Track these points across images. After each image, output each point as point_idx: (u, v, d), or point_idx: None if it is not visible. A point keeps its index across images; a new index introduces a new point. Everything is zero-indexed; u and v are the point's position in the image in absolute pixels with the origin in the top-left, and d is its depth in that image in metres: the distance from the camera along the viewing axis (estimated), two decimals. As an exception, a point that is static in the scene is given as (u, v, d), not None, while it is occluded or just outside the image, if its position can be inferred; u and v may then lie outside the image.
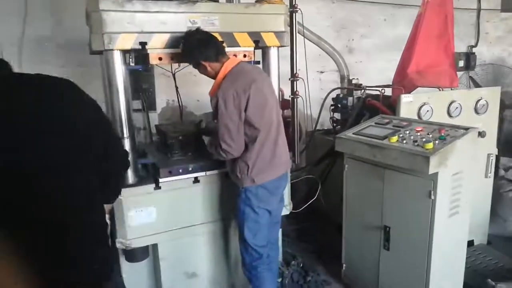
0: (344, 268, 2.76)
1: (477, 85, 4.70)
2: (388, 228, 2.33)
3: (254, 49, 2.53)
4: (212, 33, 2.30)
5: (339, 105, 3.47)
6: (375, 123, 2.56)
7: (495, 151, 3.06)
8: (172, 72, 3.14)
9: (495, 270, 2.87)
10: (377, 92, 3.18)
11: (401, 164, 2.13)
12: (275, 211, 2.36)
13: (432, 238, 2.11)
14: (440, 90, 3.12)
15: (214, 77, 2.28)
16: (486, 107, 2.96)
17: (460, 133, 2.17)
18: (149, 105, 3.83)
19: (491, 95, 2.99)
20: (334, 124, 3.59)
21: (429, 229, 2.11)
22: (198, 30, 2.21)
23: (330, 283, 2.87)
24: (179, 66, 2.96)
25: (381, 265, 2.42)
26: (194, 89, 4.43)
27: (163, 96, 4.44)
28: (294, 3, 2.78)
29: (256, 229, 2.24)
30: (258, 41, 2.50)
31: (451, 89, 3.26)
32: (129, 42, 2.20)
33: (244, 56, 2.50)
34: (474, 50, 6.06)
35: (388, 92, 3.18)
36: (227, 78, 2.17)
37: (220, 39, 2.38)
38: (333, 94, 3.61)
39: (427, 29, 3.22)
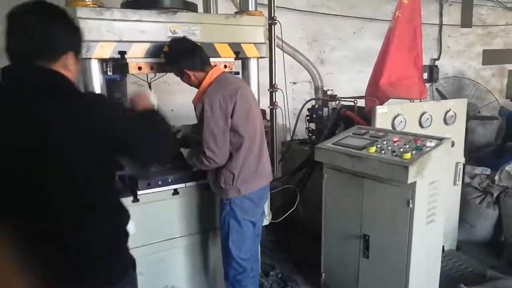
0: (323, 277, 2.78)
1: (443, 97, 4.93)
2: (367, 237, 2.37)
3: (235, 59, 2.53)
4: (193, 43, 2.28)
5: (314, 116, 3.53)
6: (353, 134, 2.62)
7: (463, 159, 3.21)
8: (147, 82, 3.09)
9: (466, 275, 2.99)
10: (351, 103, 3.27)
11: (380, 173, 2.18)
12: (258, 223, 2.35)
13: (410, 245, 2.17)
14: (411, 102, 3.25)
15: (197, 86, 2.26)
16: (454, 118, 3.10)
17: (435, 143, 2.26)
18: (122, 115, 3.74)
19: (459, 107, 3.14)
20: (310, 134, 3.64)
21: (408, 236, 2.17)
22: (184, 38, 2.19)
23: (309, 292, 2.88)
24: (155, 75, 2.92)
25: (361, 273, 2.46)
26: (169, 98, 4.40)
27: (136, 106, 4.34)
28: (273, 15, 2.81)
29: (241, 242, 2.21)
30: (238, 52, 2.51)
31: (420, 101, 3.41)
32: (108, 51, 2.14)
33: (225, 66, 2.49)
34: (436, 63, 6.39)
35: (361, 103, 3.28)
36: (213, 84, 2.16)
37: (200, 49, 2.36)
38: (308, 105, 3.67)
39: (398, 43, 3.36)
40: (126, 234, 1.46)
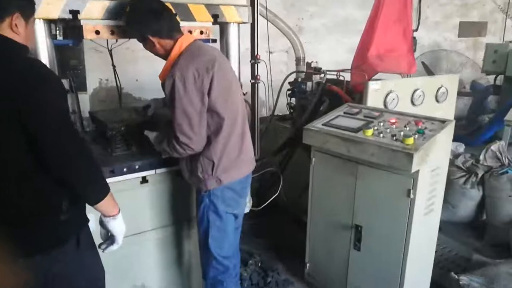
0: (307, 268, 2.58)
1: (429, 71, 4.76)
2: (360, 228, 2.17)
3: (212, 24, 2.16)
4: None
5: (297, 90, 3.23)
6: (344, 113, 2.36)
7: (451, 139, 3.05)
8: (108, 48, 2.66)
9: (451, 259, 2.90)
10: (334, 77, 2.99)
11: (379, 160, 1.95)
12: (240, 214, 2.07)
13: (409, 237, 1.98)
14: (402, 76, 3.02)
15: (163, 56, 1.88)
16: (446, 95, 2.91)
17: (438, 126, 2.04)
18: (78, 85, 3.27)
19: (451, 83, 2.94)
20: (291, 110, 3.36)
21: (406, 228, 1.98)
22: None
23: (292, 282, 2.69)
24: (116, 41, 2.50)
25: (350, 265, 2.27)
26: (132, 67, 3.94)
27: (95, 75, 3.87)
28: (256, -27, 2.43)
29: (222, 238, 1.93)
30: (217, 16, 2.13)
31: (408, 76, 3.19)
32: (55, 9, 1.73)
33: (201, 33, 2.13)
34: (415, 34, 6.20)
35: (344, 76, 3.01)
36: (184, 55, 1.79)
37: (172, 10, 1.97)
38: (289, 78, 3.36)
39: (387, 13, 3.07)
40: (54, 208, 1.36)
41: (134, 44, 2.54)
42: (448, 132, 2.03)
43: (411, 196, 1.92)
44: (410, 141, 1.88)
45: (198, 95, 1.72)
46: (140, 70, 3.93)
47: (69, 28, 1.89)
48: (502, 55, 5.25)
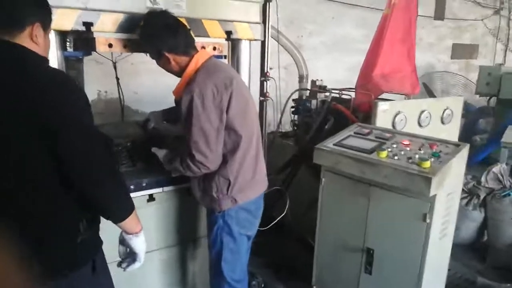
0: (314, 290, 2.51)
1: (429, 92, 4.80)
2: (371, 251, 2.12)
3: (226, 40, 2.13)
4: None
5: (301, 108, 3.21)
6: (355, 133, 2.33)
7: (454, 160, 3.05)
8: (112, 61, 2.61)
9: (455, 281, 2.87)
10: (337, 95, 2.99)
11: (395, 183, 1.91)
12: (252, 236, 2.00)
13: (424, 262, 1.94)
14: (407, 98, 3.02)
15: (177, 73, 1.83)
16: (451, 117, 2.92)
17: (453, 149, 2.02)
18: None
19: (455, 105, 2.96)
20: (295, 128, 3.33)
21: (421, 253, 1.94)
22: (165, 12, 1.75)
23: (297, 305, 2.61)
24: (120, 53, 2.45)
25: (361, 289, 2.21)
26: (132, 79, 3.86)
27: (93, 86, 3.79)
28: (268, -10, 2.42)
29: (235, 260, 1.86)
30: (230, 32, 2.10)
31: (409, 97, 3.19)
32: (69, 20, 1.67)
33: (214, 49, 2.09)
34: (409, 55, 6.29)
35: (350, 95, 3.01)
36: (201, 72, 1.74)
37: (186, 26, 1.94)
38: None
39: (392, 32, 3.09)
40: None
41: (135, 57, 2.49)
42: (463, 155, 2.01)
43: (427, 220, 1.88)
44: (427, 164, 1.85)
45: (216, 112, 1.67)
46: (140, 83, 3.87)
47: (80, 40, 1.83)
48: (496, 78, 5.34)
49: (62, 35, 1.76)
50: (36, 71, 1.19)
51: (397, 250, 2.02)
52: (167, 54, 1.75)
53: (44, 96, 1.14)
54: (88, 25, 1.70)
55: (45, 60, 1.28)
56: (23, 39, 1.21)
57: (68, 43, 1.82)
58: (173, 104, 2.13)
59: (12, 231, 1.20)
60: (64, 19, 1.65)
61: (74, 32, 1.76)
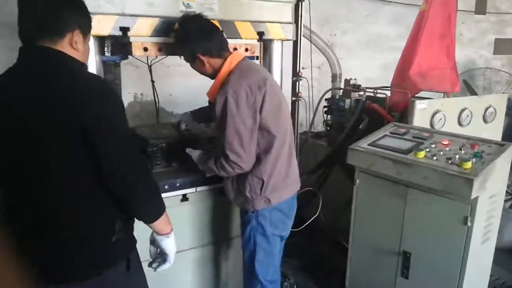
0: (348, 293, 2.47)
1: (471, 89, 4.60)
2: (408, 254, 2.05)
3: (258, 41, 2.13)
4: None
5: (334, 107, 3.16)
6: (391, 133, 2.26)
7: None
8: (148, 64, 2.67)
9: (499, 288, 2.73)
10: (371, 94, 2.92)
11: (434, 185, 1.84)
12: (286, 237, 2.00)
13: (464, 267, 1.85)
14: (446, 96, 2.90)
15: (211, 75, 1.86)
16: (494, 115, 2.78)
17: (496, 149, 1.92)
18: (115, 99, 3.31)
19: (499, 102, 2.82)
20: (327, 128, 3.28)
21: (462, 258, 1.85)
22: (198, 15, 1.78)
23: (331, 308, 2.58)
24: (156, 57, 2.51)
25: (397, 293, 2.15)
26: (167, 81, 3.94)
27: (130, 89, 3.89)
28: (301, -10, 2.40)
29: (269, 261, 1.87)
30: (262, 33, 2.11)
31: (446, 95, 3.07)
32: (107, 26, 1.73)
33: (246, 50, 2.09)
34: (448, 51, 6.05)
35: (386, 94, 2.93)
36: (235, 73, 1.76)
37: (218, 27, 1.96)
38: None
39: (430, 28, 2.98)
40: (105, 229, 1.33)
41: (170, 60, 2.54)
42: (507, 156, 1.91)
43: (469, 223, 1.80)
44: (468, 165, 1.77)
45: (250, 113, 1.68)
46: (174, 85, 3.94)
47: (117, 45, 1.89)
48: (543, 73, 5.04)
49: (100, 40, 1.82)
50: (75, 77, 1.23)
51: (436, 254, 1.95)
52: (201, 57, 1.78)
53: (83, 103, 1.18)
54: (125, 30, 1.76)
55: (84, 66, 1.34)
56: (64, 46, 1.26)
57: (106, 48, 1.88)
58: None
59: (50, 230, 1.26)
60: (102, 24, 1.71)
61: (111, 37, 1.82)
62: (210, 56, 1.77)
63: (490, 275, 2.85)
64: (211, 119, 2.32)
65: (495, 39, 6.50)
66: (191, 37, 1.74)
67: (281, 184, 1.83)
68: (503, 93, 4.33)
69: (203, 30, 1.74)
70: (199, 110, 2.39)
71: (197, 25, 1.75)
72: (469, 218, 1.79)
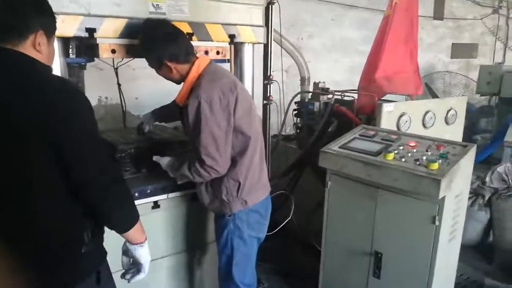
0: (321, 295, 2.48)
1: (432, 93, 4.79)
2: (380, 254, 2.09)
3: (229, 44, 2.11)
4: (181, 23, 1.84)
5: (303, 110, 3.19)
6: (360, 135, 2.31)
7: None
8: (114, 66, 2.58)
9: (463, 283, 2.85)
10: (339, 97, 2.98)
11: (403, 186, 1.89)
12: (262, 239, 1.99)
13: (433, 265, 1.91)
14: (410, 99, 3.00)
15: (178, 80, 1.83)
16: (455, 117, 2.90)
17: (460, 150, 2.00)
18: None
19: (459, 105, 2.95)
20: (297, 131, 3.31)
21: (431, 256, 1.91)
22: (163, 21, 1.75)
23: (305, 311, 2.58)
24: (122, 59, 2.43)
25: (369, 293, 2.19)
26: (133, 84, 3.84)
27: (93, 92, 3.75)
28: (271, -6, 2.40)
29: (246, 264, 1.86)
30: (233, 36, 2.09)
31: (410, 98, 3.17)
32: (72, 27, 1.65)
33: (217, 53, 2.07)
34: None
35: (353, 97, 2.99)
36: (204, 77, 1.74)
37: (189, 30, 1.92)
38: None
39: (394, 33, 3.07)
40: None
41: (136, 62, 2.48)
42: (470, 156, 1.99)
43: (436, 223, 1.86)
44: (435, 166, 1.84)
45: (224, 116, 1.68)
46: (140, 88, 3.84)
47: (83, 46, 1.81)
48: (496, 77, 5.33)
49: (65, 41, 1.74)
50: (40, 80, 1.17)
51: (406, 254, 2.00)
52: (168, 63, 1.74)
53: (50, 107, 1.12)
54: (91, 31, 1.69)
55: (49, 68, 1.27)
56: (26, 48, 1.19)
57: (70, 50, 1.80)
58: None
59: (15, 240, 1.18)
60: (67, 25, 1.63)
61: (76, 38, 1.74)
62: (177, 62, 1.74)
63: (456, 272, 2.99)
64: (172, 118, 2.28)
65: (452, 43, 6.84)
66: (156, 44, 1.70)
67: (256, 185, 1.84)
68: (463, 95, 4.54)
69: (168, 36, 1.71)
70: (160, 109, 2.33)
71: (162, 31, 1.71)
72: (437, 217, 1.85)
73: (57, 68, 1.69)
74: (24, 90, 1.12)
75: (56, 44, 1.66)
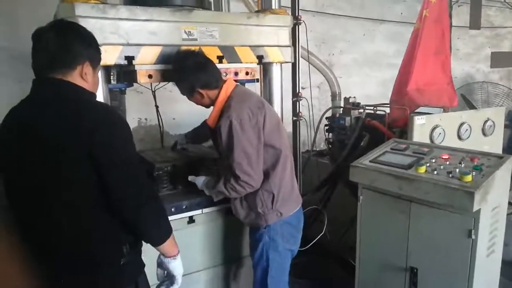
0: (357, 312, 2.45)
1: (469, 104, 4.66)
2: (415, 270, 2.05)
3: (257, 65, 2.21)
4: (211, 47, 1.97)
5: (335, 126, 3.21)
6: (391, 149, 2.30)
7: (500, 173, 2.92)
8: (152, 90, 2.75)
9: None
10: (371, 111, 2.97)
11: (436, 199, 1.87)
12: (295, 252, 2.04)
13: (472, 281, 1.85)
14: (445, 111, 2.95)
15: (208, 104, 1.95)
16: (493, 128, 2.82)
17: (495, 162, 1.95)
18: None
19: (497, 115, 2.86)
20: (329, 146, 3.32)
21: (468, 271, 1.86)
22: (192, 51, 1.89)
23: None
24: (159, 82, 2.59)
25: (406, 310, 2.14)
26: (170, 106, 4.01)
27: (134, 115, 3.97)
28: (297, 14, 2.49)
29: (280, 276, 1.92)
30: (261, 57, 2.18)
31: (446, 110, 3.11)
32: (113, 56, 1.80)
33: (247, 73, 2.16)
34: (445, 66, 6.14)
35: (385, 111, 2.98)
36: (233, 99, 1.86)
37: (219, 53, 2.04)
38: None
39: (425, 45, 3.06)
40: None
41: (172, 85, 2.64)
42: (507, 168, 1.94)
43: (473, 236, 1.81)
44: (469, 178, 1.80)
45: (254, 132, 1.77)
46: (177, 109, 4.01)
47: (122, 73, 1.96)
48: (541, 85, 5.09)
49: (106, 69, 1.89)
50: (83, 106, 1.30)
51: (443, 269, 1.95)
52: (200, 90, 1.87)
53: (91, 131, 1.24)
54: (129, 59, 1.83)
55: (93, 95, 1.40)
56: (74, 77, 1.34)
57: (112, 76, 1.96)
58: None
59: (57, 252, 1.30)
60: (108, 54, 1.78)
61: (117, 66, 1.89)
62: (209, 88, 1.86)
63: (500, 289, 2.85)
64: (204, 139, 2.44)
65: (492, 52, 6.62)
66: (188, 73, 1.83)
67: (289, 197, 1.93)
68: (501, 106, 4.38)
69: (199, 65, 1.84)
70: (192, 132, 2.47)
71: (192, 61, 1.84)
72: (473, 231, 1.81)
73: (100, 93, 1.84)
74: (70, 115, 1.25)
75: (99, 72, 1.83)
